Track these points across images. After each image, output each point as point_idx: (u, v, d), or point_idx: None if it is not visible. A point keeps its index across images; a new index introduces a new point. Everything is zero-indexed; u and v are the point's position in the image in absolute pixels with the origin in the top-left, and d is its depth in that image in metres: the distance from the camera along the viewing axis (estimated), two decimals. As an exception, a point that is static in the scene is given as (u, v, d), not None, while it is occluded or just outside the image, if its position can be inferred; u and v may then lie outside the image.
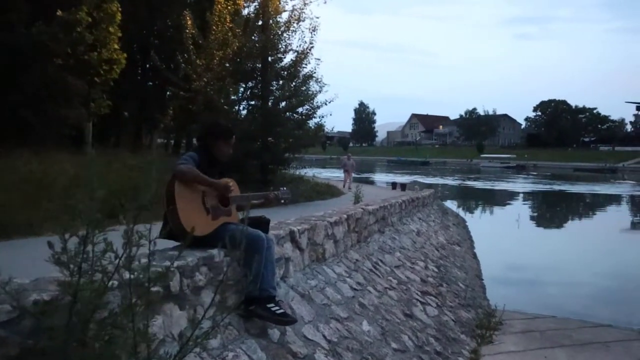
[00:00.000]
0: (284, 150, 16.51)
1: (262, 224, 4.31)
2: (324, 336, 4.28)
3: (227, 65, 14.68)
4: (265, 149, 15.34)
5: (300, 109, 16.37)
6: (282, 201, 4.35)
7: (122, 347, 2.07)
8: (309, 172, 27.21)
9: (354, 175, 26.54)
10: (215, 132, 3.90)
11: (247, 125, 15.21)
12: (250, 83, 15.64)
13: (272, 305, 3.71)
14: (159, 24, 20.15)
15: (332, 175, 36.49)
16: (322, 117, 16.67)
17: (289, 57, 15.86)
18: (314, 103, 16.39)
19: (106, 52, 14.78)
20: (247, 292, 3.73)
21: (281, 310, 3.72)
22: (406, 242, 9.81)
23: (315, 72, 15.99)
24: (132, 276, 2.27)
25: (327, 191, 20.90)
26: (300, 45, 15.65)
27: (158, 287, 2.99)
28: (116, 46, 15.24)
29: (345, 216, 6.92)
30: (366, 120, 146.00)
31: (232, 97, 15.43)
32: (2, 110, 16.37)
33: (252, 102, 16.33)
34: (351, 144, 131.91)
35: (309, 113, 16.33)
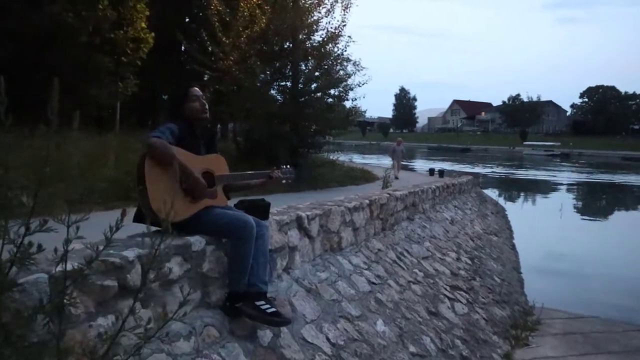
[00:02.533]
0: (314, 133, 15.91)
1: (260, 208, 3.76)
2: (328, 338, 3.71)
3: (255, 44, 14.14)
4: (294, 131, 14.77)
5: (332, 91, 15.71)
6: (284, 182, 3.77)
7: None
8: (346, 157, 26.52)
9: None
10: (177, 98, 3.39)
11: (276, 107, 14.67)
12: (278, 63, 15.04)
13: (262, 302, 3.15)
14: (193, 3, 19.67)
15: (370, 161, 35.83)
16: (356, 99, 15.97)
17: (319, 36, 15.22)
18: (347, 85, 15.70)
19: (132, 30, 14.45)
20: (233, 287, 3.19)
21: (272, 309, 3.16)
22: (438, 230, 9.12)
23: (346, 52, 15.31)
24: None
25: (362, 176, 20.27)
26: (330, 22, 14.98)
27: (110, 281, 2.48)
28: (143, 25, 14.89)
29: (367, 201, 6.31)
30: (407, 106, 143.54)
31: (261, 77, 14.88)
32: (31, 91, 16.27)
33: (282, 83, 15.75)
34: (391, 130, 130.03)
35: (341, 95, 15.65)
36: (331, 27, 15.16)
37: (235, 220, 3.15)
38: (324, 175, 16.52)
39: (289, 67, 15.00)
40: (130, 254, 2.57)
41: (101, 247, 1.85)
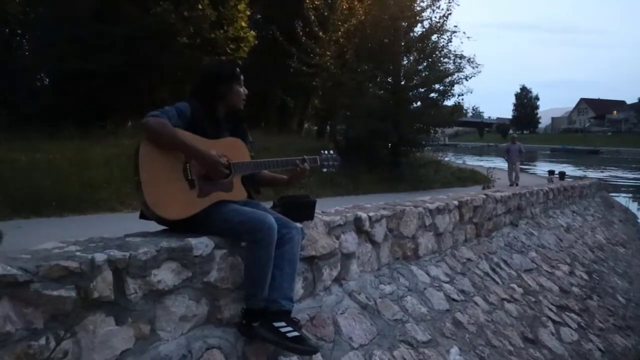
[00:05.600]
0: (417, 131, 14.98)
1: (302, 206, 3.15)
2: (377, 371, 2.99)
3: (353, 38, 13.55)
4: (395, 129, 13.94)
5: (436, 86, 14.69)
6: (324, 170, 3.10)
7: None
8: (459, 159, 25.05)
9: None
10: (226, 74, 2.80)
11: (376, 103, 13.91)
12: (378, 57, 14.29)
13: (283, 324, 2.51)
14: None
15: (484, 163, 33.79)
16: (462, 94, 14.82)
17: (422, 28, 14.31)
18: (452, 80, 14.62)
19: (233, 30, 14.48)
20: (249, 302, 2.58)
21: (294, 333, 2.51)
22: (548, 239, 7.93)
23: (451, 43, 14.25)
24: None
25: (471, 177, 19.01)
26: (434, 12, 13.99)
27: (65, 291, 1.97)
28: (244, 24, 14.88)
29: (455, 202, 5.44)
30: (528, 105, 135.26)
31: (360, 72, 14.22)
32: (144, 93, 16.96)
33: (382, 79, 14.98)
34: (511, 131, 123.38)
35: (446, 89, 14.58)
36: (435, 18, 14.19)
37: (252, 219, 2.53)
38: (427, 176, 15.59)
39: (388, 61, 14.19)
40: (98, 257, 2.05)
41: None
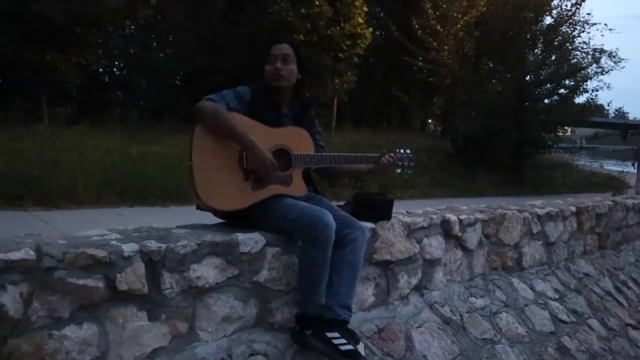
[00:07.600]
0: (543, 131, 13.80)
1: (376, 205, 2.85)
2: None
3: (474, 31, 12.78)
4: (518, 128, 12.94)
5: (566, 81, 13.44)
6: (399, 170, 2.76)
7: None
8: (596, 163, 22.95)
9: None
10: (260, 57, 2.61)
11: (496, 100, 13.01)
12: (500, 50, 13.34)
13: (336, 335, 2.24)
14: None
15: (626, 169, 30.75)
16: (596, 90, 13.46)
17: (551, 18, 13.12)
18: (586, 74, 13.29)
19: (349, 26, 14.39)
20: (302, 307, 2.34)
21: (348, 346, 2.22)
22: (695, 256, 6.80)
23: (589, 33, 12.97)
24: None
25: (605, 183, 17.27)
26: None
27: (92, 281, 1.85)
28: (360, 20, 14.72)
29: (573, 209, 4.77)
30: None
31: (484, 68, 13.40)
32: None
33: (505, 74, 14.00)
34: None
35: (578, 85, 13.27)
36: (566, 7, 12.97)
37: (307, 215, 2.28)
38: (554, 180, 14.34)
39: (512, 54, 13.20)
40: (127, 247, 1.92)
41: None
